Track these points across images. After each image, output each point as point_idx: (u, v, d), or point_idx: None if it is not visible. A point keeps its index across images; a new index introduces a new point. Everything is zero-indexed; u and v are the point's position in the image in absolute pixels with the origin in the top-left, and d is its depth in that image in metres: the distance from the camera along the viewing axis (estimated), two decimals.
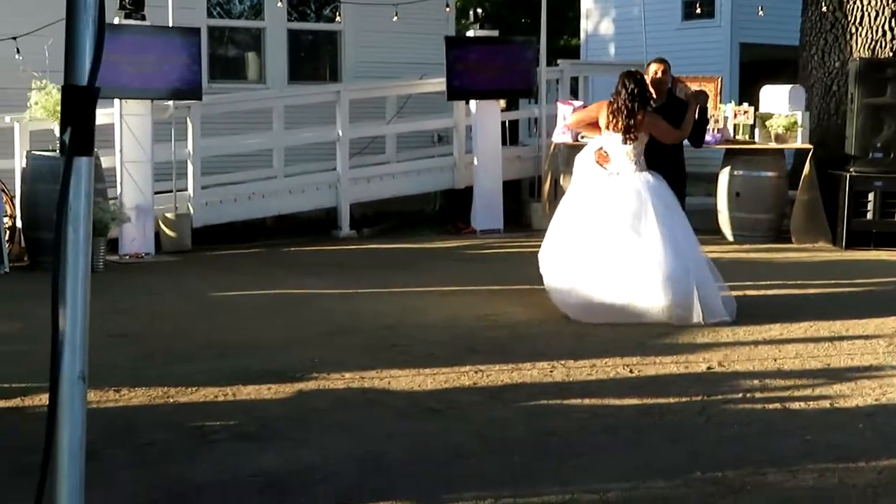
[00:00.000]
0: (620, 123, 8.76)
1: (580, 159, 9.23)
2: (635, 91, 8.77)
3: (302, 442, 5.62)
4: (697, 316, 8.44)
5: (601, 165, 8.91)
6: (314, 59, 16.67)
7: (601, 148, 8.95)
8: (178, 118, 12.60)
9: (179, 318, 8.87)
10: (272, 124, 14.06)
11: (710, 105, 9.99)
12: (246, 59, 16.08)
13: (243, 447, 5.53)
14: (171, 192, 12.59)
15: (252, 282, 10.52)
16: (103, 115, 12.18)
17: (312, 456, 5.40)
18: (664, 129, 8.95)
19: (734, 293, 8.97)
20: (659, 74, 9.29)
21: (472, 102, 14.36)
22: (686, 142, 9.37)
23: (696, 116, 9.23)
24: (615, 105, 8.83)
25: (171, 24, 12.55)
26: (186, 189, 12.74)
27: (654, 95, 9.09)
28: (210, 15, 15.17)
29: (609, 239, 8.70)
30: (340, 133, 13.68)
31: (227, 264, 11.73)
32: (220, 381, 6.72)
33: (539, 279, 10.30)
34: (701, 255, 8.85)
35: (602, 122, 8.94)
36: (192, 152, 12.65)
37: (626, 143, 8.76)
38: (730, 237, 13.53)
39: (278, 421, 5.98)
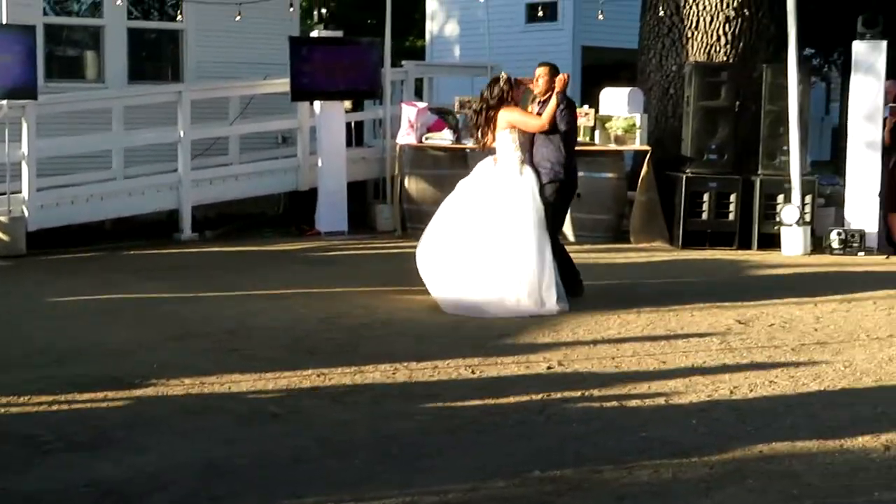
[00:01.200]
0: (475, 126, 9.71)
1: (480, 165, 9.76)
2: (488, 97, 9.52)
3: (139, 450, 5.52)
4: (551, 307, 9.03)
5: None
6: (155, 58, 16.38)
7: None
8: (12, 118, 12.23)
9: (12, 324, 8.62)
10: (111, 125, 13.77)
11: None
12: (84, 58, 15.70)
13: (78, 457, 5.41)
14: (3, 194, 12.22)
15: (90, 286, 10.28)
16: None
17: (150, 464, 5.31)
18: (522, 120, 9.48)
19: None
20: (535, 79, 9.74)
21: (317, 103, 14.30)
22: None
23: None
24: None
25: (4, 22, 12.17)
26: (21, 191, 12.37)
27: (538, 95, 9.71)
28: (46, 12, 14.79)
29: (475, 235, 9.24)
30: (182, 134, 13.46)
31: (65, 268, 11.44)
32: (54, 389, 6.55)
33: (383, 280, 10.39)
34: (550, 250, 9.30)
35: None
36: (26, 153, 12.28)
37: (479, 143, 9.72)
38: (571, 237, 13.69)
39: (115, 429, 5.86)
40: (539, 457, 5.48)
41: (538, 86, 9.64)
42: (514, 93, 9.59)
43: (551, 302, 9.05)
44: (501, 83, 9.52)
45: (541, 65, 9.81)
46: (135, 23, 15.40)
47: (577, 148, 9.97)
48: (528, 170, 9.37)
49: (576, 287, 9.57)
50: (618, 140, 13.79)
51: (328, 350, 7.73)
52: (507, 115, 9.42)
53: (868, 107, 13.14)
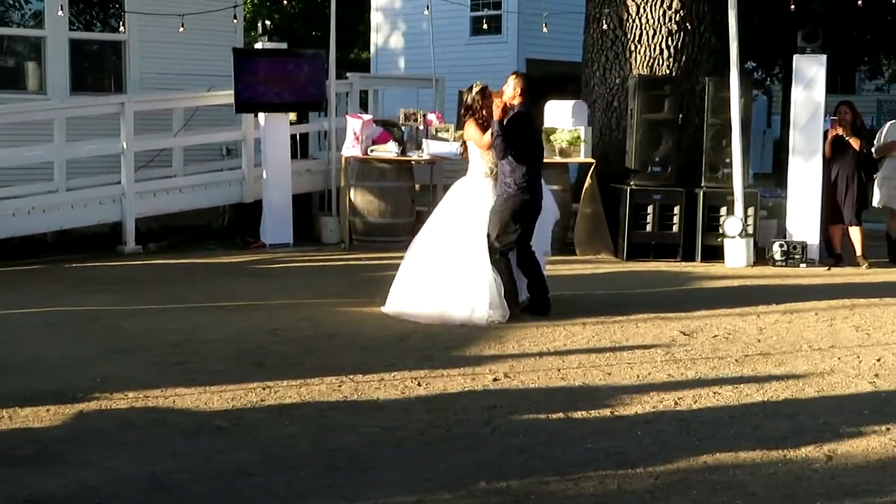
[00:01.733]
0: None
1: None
2: (464, 102, 9.68)
3: (82, 464, 5.46)
4: (481, 314, 9.12)
5: None
6: (98, 69, 16.23)
7: None
8: None
9: None
10: (53, 136, 13.63)
11: None
12: (25, 69, 15.52)
13: (19, 472, 5.34)
14: None
15: (32, 299, 10.15)
16: None
17: (93, 478, 5.26)
18: (473, 137, 9.50)
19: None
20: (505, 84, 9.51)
21: (261, 115, 14.25)
22: None
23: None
24: None
25: None
26: None
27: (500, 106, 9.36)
28: None
29: (428, 245, 9.45)
30: (125, 145, 13.35)
31: (6, 281, 11.28)
32: None
33: (329, 292, 10.38)
34: None
35: None
36: None
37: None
38: None
39: (57, 443, 5.80)
40: (485, 468, 5.49)
41: (505, 93, 9.44)
42: (486, 103, 9.43)
43: (482, 309, 9.09)
44: (473, 93, 9.54)
45: (513, 73, 9.73)
46: (77, 34, 15.25)
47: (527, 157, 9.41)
48: (483, 181, 9.43)
49: (540, 305, 9.49)
50: (562, 152, 13.85)
51: (274, 363, 7.69)
52: (466, 129, 9.53)
53: (809, 120, 13.30)
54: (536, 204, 9.44)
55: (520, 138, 9.28)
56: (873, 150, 13.46)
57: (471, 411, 6.54)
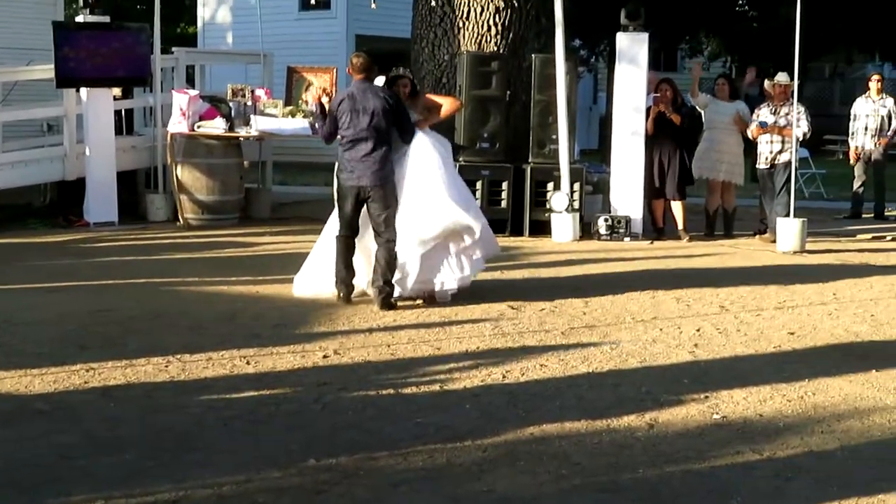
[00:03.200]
0: None
1: None
2: None
3: None
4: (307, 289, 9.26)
5: None
6: None
7: None
8: None
9: None
10: None
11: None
12: None
13: None
14: None
15: None
16: None
17: None
18: None
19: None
20: None
21: (83, 90, 13.87)
22: None
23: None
24: None
25: None
26: None
27: None
28: None
29: None
30: None
31: None
32: None
33: (155, 271, 10.18)
34: None
35: None
36: None
37: None
38: None
39: None
40: (315, 445, 5.48)
41: None
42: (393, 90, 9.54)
43: (311, 286, 9.18)
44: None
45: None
46: None
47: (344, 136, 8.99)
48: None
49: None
50: None
51: (97, 344, 7.52)
52: None
53: (632, 97, 13.60)
54: (348, 185, 8.88)
55: (336, 119, 9.04)
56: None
57: (300, 389, 6.51)
